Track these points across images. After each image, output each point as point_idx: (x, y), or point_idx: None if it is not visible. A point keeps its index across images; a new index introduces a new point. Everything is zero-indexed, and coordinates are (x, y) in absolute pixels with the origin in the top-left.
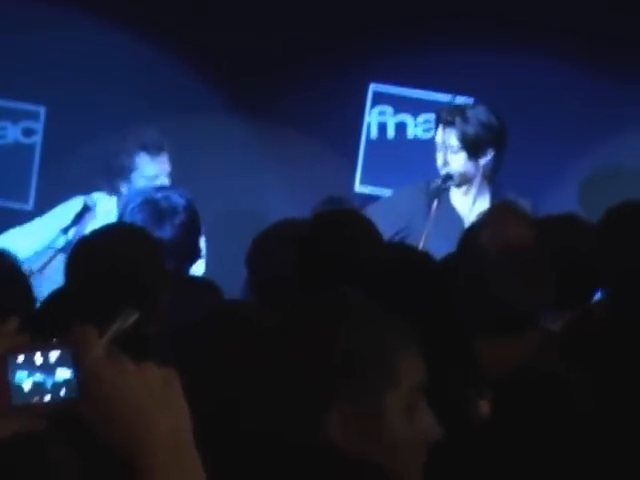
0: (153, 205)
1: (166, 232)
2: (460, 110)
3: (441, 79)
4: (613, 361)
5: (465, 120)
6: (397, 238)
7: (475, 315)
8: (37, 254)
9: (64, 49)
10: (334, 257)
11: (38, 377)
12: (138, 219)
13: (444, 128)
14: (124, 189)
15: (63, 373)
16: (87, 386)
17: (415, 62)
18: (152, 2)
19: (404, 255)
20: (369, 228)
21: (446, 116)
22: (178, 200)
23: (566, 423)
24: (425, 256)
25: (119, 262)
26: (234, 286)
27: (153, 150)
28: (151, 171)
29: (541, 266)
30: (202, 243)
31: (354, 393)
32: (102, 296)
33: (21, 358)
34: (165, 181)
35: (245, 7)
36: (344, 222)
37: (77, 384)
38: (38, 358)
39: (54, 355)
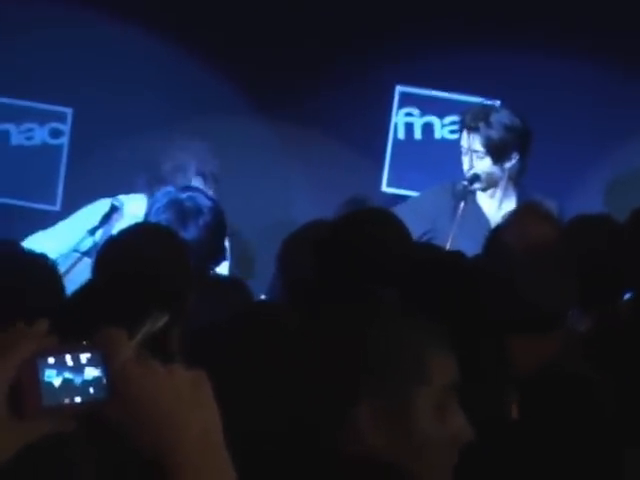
0: (178, 205)
1: (190, 232)
2: (484, 115)
3: (467, 81)
4: (636, 362)
5: (489, 125)
6: (423, 239)
7: (501, 315)
8: (64, 256)
9: (91, 50)
10: (364, 257)
11: (67, 376)
12: (163, 219)
13: (468, 133)
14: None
15: (92, 373)
16: (116, 388)
17: (441, 63)
18: (178, 5)
19: (435, 255)
20: (399, 228)
21: (470, 121)
22: (203, 201)
23: (589, 424)
24: (456, 256)
25: (146, 263)
26: (259, 287)
27: (209, 181)
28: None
29: (566, 266)
30: (226, 244)
31: (384, 389)
32: (129, 297)
33: (51, 360)
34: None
35: (272, 9)
36: (374, 221)
37: (106, 385)
38: (69, 360)
39: (84, 357)
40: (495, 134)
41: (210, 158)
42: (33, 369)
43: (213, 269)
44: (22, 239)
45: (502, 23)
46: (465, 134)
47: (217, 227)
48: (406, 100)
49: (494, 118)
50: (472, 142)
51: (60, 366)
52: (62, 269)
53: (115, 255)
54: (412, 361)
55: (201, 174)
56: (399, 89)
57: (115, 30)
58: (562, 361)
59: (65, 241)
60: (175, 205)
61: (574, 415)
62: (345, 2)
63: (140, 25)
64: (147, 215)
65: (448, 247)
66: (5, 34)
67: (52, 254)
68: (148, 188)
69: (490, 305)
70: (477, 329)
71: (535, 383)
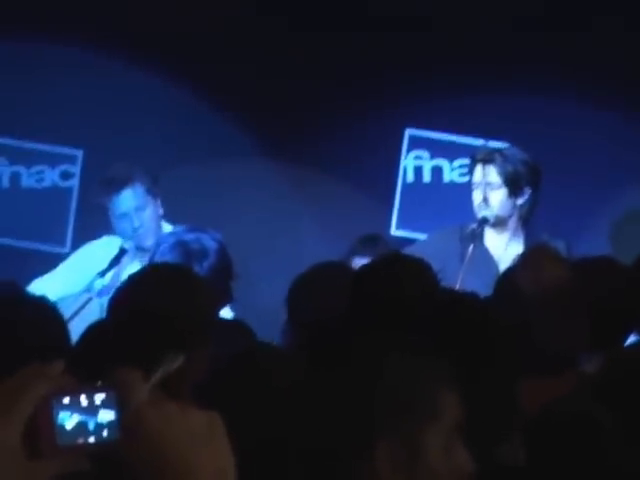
0: (184, 246)
1: None
2: (498, 150)
3: (476, 124)
4: None
5: (505, 158)
6: None
7: (513, 358)
8: (73, 297)
9: (100, 93)
10: (392, 304)
11: (80, 418)
12: (168, 259)
13: (484, 165)
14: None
15: (106, 415)
16: (131, 430)
17: (451, 106)
18: (186, 48)
19: (453, 297)
20: (428, 276)
21: (485, 155)
22: (209, 243)
23: (597, 465)
24: (473, 298)
25: (161, 303)
26: (268, 329)
27: (112, 188)
28: (116, 209)
29: (578, 308)
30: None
31: (398, 428)
32: (144, 337)
33: (66, 400)
34: (145, 212)
35: (279, 52)
36: (407, 272)
37: (119, 426)
38: (83, 400)
39: (99, 397)
40: (511, 166)
41: (120, 170)
42: (48, 409)
43: (218, 312)
44: (32, 281)
45: (512, 65)
46: (479, 167)
47: (222, 269)
48: (415, 143)
49: (508, 152)
50: (487, 174)
51: (74, 407)
52: (71, 310)
53: (130, 295)
54: (425, 398)
55: (106, 186)
56: (409, 132)
57: (125, 73)
58: (569, 402)
59: (72, 282)
60: (181, 246)
61: (581, 456)
62: (355, 45)
63: (149, 69)
64: (153, 255)
65: (457, 288)
66: (17, 75)
67: (59, 295)
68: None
69: (503, 347)
70: (490, 371)
71: (541, 423)
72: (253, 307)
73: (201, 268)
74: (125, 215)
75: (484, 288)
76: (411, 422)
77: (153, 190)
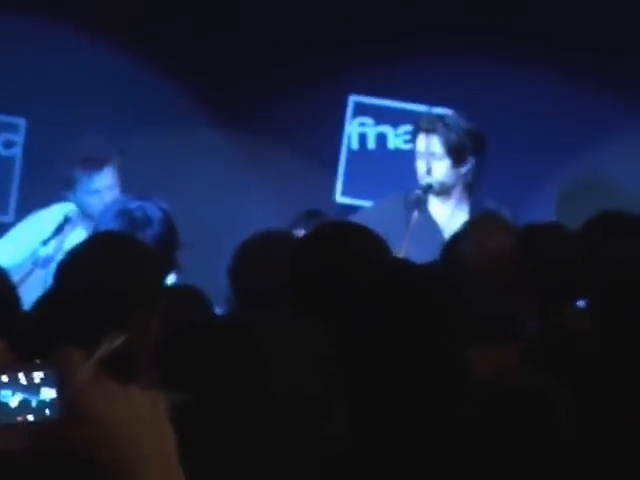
0: (127, 215)
1: None
2: (440, 118)
3: (421, 90)
4: (594, 374)
5: (447, 127)
6: None
7: (459, 326)
8: (16, 266)
9: (45, 60)
10: (334, 272)
11: (23, 395)
12: (112, 228)
13: (427, 135)
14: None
15: (48, 393)
16: (73, 408)
17: (395, 74)
18: (135, 14)
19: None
20: (378, 243)
21: (427, 124)
22: (153, 211)
23: (544, 435)
24: (411, 267)
25: (103, 279)
26: (214, 298)
27: (92, 165)
28: (91, 186)
29: (523, 276)
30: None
31: None
32: (89, 310)
33: (5, 378)
34: (114, 192)
35: (227, 20)
36: (349, 236)
37: (60, 404)
38: (22, 378)
39: (38, 376)
40: (454, 136)
41: (98, 147)
42: None
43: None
44: None
45: (455, 32)
46: (422, 137)
47: (166, 239)
48: (360, 110)
49: (451, 121)
50: (430, 144)
51: (14, 385)
52: (15, 279)
53: (73, 267)
54: None
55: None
56: (353, 99)
57: (69, 40)
58: (514, 372)
59: (17, 250)
60: (124, 215)
61: (529, 426)
62: (298, 12)
63: (96, 35)
64: (97, 223)
65: (401, 256)
66: None
67: (4, 263)
68: (60, 196)
69: (447, 315)
70: (435, 341)
71: (489, 394)
72: (199, 276)
73: (145, 237)
74: (97, 192)
75: (428, 255)
76: None
77: (121, 168)
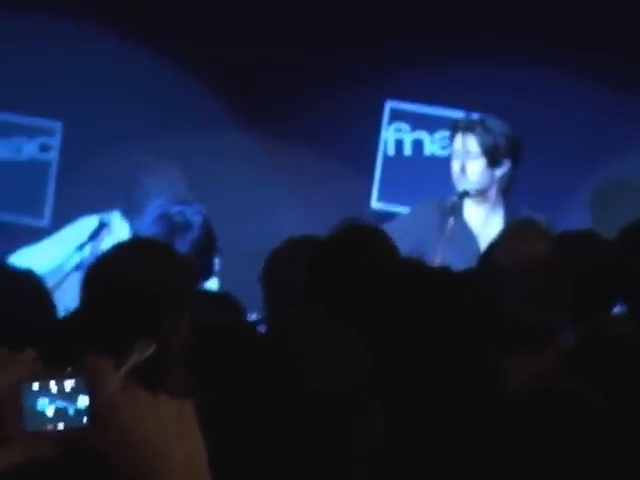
0: (167, 219)
1: (178, 248)
2: (479, 120)
3: (457, 96)
4: (631, 378)
5: (485, 129)
6: (412, 255)
7: (494, 333)
8: (52, 272)
9: (81, 64)
10: (353, 274)
11: (60, 404)
12: (152, 232)
13: (464, 134)
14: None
15: (84, 401)
16: (103, 416)
17: (432, 79)
18: (168, 20)
19: (426, 271)
20: (388, 244)
21: (466, 124)
22: (193, 217)
23: (582, 440)
24: (448, 272)
25: (134, 284)
26: (249, 304)
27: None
28: (150, 191)
29: (558, 282)
30: (216, 261)
31: None
32: (116, 320)
33: (36, 386)
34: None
35: (261, 23)
36: (364, 239)
37: (89, 413)
38: (53, 387)
39: (69, 384)
40: (491, 137)
41: (180, 181)
42: (17, 394)
43: (201, 286)
44: (10, 254)
45: (492, 39)
46: (459, 136)
47: (205, 244)
48: (396, 116)
49: (490, 123)
50: (467, 143)
51: (46, 392)
52: (50, 285)
53: (101, 275)
54: None
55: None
56: (389, 104)
57: (105, 44)
58: (551, 377)
59: (53, 257)
60: (164, 219)
61: (567, 432)
62: (336, 17)
63: (130, 40)
64: (139, 228)
65: (436, 262)
66: None
67: (40, 270)
68: (126, 203)
69: (482, 322)
70: (465, 347)
71: (525, 400)
72: (233, 281)
73: (184, 241)
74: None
75: (463, 261)
76: None
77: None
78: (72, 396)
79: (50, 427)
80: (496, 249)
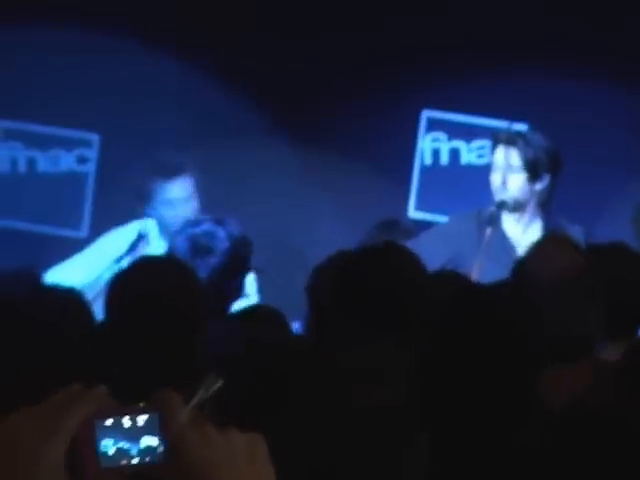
0: (192, 240)
1: (198, 270)
2: (521, 134)
3: (494, 105)
4: None
5: (527, 143)
6: (449, 266)
7: (530, 346)
8: (91, 284)
9: (117, 77)
10: (378, 291)
11: (123, 444)
12: (177, 251)
13: (506, 147)
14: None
15: (148, 440)
16: (172, 453)
17: (469, 88)
18: (211, 30)
19: (462, 287)
20: (415, 261)
21: (507, 137)
22: (219, 242)
23: (626, 459)
24: (482, 288)
25: (146, 306)
26: (288, 313)
27: (166, 173)
28: (167, 195)
29: (593, 295)
30: (247, 280)
31: None
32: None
33: (109, 422)
34: (191, 204)
35: (296, 34)
36: (388, 256)
37: (163, 450)
38: (126, 422)
39: (142, 419)
40: (532, 151)
41: (172, 158)
42: (91, 431)
43: (225, 308)
44: (48, 266)
45: (532, 47)
46: (501, 149)
47: (229, 269)
48: (433, 125)
49: (531, 137)
50: (509, 156)
51: (118, 428)
52: (89, 297)
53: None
54: None
55: (156, 172)
56: (426, 114)
57: (142, 56)
58: (594, 393)
59: (92, 269)
60: (190, 239)
61: (609, 448)
62: (373, 28)
63: (164, 52)
64: (170, 243)
65: (474, 273)
66: (33, 59)
67: (79, 282)
68: (137, 211)
69: (518, 336)
70: (502, 361)
71: (567, 416)
72: (270, 294)
73: (205, 264)
74: (171, 203)
75: (501, 272)
76: None
77: (198, 185)
78: (138, 434)
79: (124, 462)
80: (530, 261)
